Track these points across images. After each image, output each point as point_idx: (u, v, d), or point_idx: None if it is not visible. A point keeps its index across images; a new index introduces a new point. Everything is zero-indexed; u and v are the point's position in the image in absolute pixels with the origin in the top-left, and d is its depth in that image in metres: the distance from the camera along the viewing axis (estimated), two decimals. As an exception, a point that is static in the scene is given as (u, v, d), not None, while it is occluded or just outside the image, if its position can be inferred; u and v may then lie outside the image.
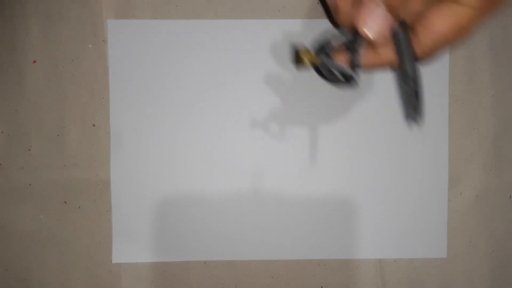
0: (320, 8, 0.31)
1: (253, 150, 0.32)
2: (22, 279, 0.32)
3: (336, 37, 0.26)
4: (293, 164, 0.32)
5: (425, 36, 0.24)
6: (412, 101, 0.24)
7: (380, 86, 0.32)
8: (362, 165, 0.32)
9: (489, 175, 0.32)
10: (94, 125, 0.32)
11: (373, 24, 0.24)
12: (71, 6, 0.31)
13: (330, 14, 0.30)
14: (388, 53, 0.25)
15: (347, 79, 0.27)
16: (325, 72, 0.27)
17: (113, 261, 0.32)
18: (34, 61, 0.31)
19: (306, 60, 0.27)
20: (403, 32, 0.24)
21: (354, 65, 0.25)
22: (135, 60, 0.31)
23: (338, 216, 0.32)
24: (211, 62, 0.31)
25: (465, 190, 0.32)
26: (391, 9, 0.24)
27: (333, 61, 0.26)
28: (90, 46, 0.31)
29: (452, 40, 0.24)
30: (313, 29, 0.31)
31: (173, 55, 0.31)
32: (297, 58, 0.28)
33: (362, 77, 0.31)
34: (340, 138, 0.32)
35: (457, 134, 0.32)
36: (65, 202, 0.32)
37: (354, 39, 0.25)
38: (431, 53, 0.25)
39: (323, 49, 0.27)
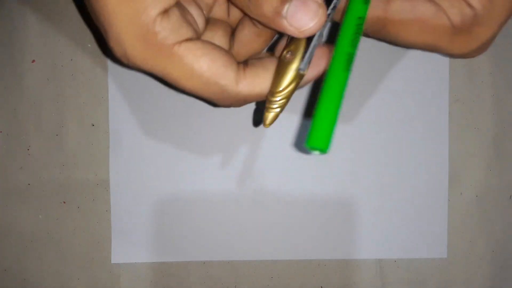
0: None
1: (253, 150, 0.32)
2: (20, 279, 0.32)
3: None
4: (293, 164, 0.32)
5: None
6: None
7: (380, 86, 0.32)
8: (362, 165, 0.32)
9: (489, 175, 0.32)
10: (93, 125, 0.31)
11: None
12: (70, 5, 0.31)
13: None
14: None
15: None
16: None
17: (112, 261, 0.32)
18: (33, 61, 0.31)
19: None
20: None
21: None
22: (134, 60, 0.31)
23: (338, 216, 0.32)
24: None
25: (465, 190, 0.32)
26: None
27: None
28: (89, 45, 0.31)
29: (407, 34, 0.23)
30: None
31: (173, 54, 0.31)
32: None
33: (362, 75, 0.31)
34: (340, 138, 0.32)
35: (457, 134, 0.32)
36: (64, 202, 0.32)
37: None
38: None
39: None
